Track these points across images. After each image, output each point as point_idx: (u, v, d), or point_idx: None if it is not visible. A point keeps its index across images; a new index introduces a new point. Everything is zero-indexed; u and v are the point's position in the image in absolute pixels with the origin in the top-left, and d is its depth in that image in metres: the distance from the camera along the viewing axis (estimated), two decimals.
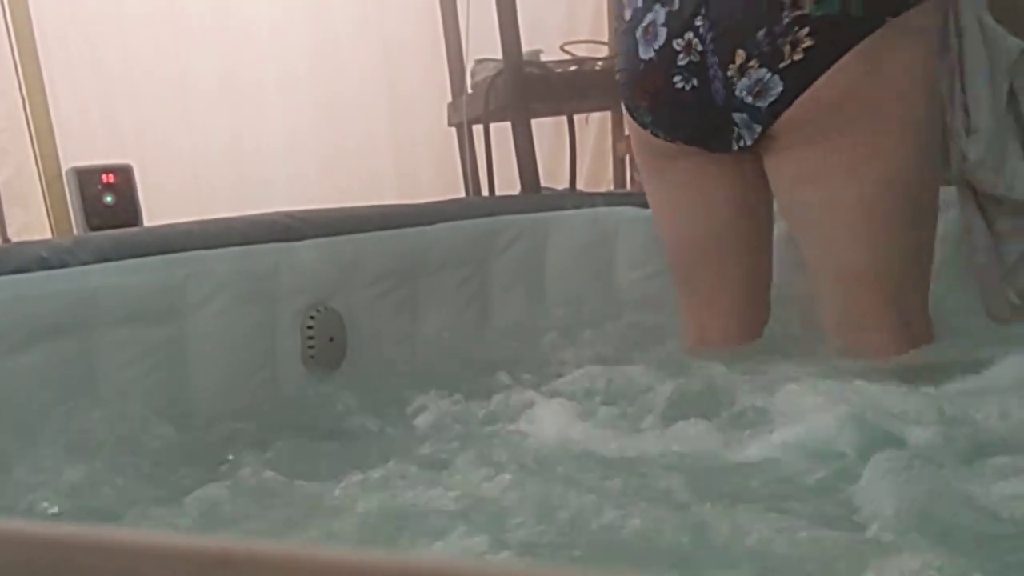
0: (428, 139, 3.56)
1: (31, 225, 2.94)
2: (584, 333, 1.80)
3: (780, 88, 1.35)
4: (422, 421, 1.35)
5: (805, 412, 1.10)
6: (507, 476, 1.00)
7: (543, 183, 2.59)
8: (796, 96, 1.35)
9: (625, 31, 1.48)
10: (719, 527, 0.84)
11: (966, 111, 1.42)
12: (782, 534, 0.81)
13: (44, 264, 1.28)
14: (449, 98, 3.06)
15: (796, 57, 1.32)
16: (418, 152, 3.68)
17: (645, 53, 1.44)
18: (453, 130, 3.03)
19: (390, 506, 0.97)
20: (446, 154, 3.22)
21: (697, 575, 0.80)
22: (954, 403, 1.11)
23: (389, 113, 3.71)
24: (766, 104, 1.37)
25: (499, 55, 2.56)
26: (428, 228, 1.82)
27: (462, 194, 2.94)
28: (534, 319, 1.93)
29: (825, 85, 1.33)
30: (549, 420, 1.24)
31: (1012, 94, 1.43)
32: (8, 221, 2.85)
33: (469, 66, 2.83)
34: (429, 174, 3.58)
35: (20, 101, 2.87)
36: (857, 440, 1.01)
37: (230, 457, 1.24)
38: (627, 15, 1.48)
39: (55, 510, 1.06)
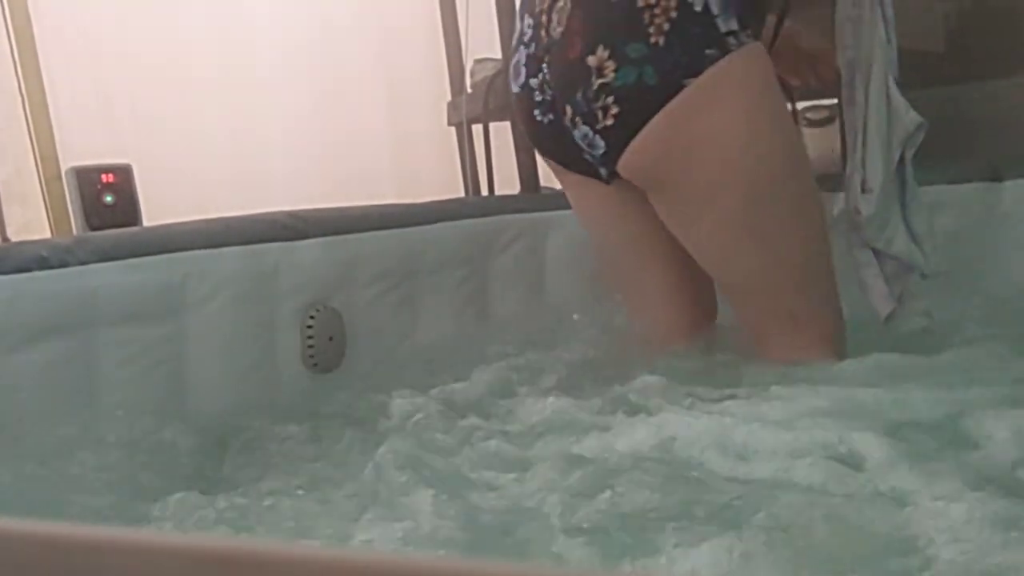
0: (428, 138, 3.56)
1: (31, 225, 2.94)
2: (584, 333, 1.80)
3: (603, 146, 1.42)
4: (422, 421, 1.35)
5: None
6: (506, 476, 1.00)
7: (543, 183, 2.59)
8: (619, 154, 1.41)
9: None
10: None
11: (863, 166, 1.48)
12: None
13: (44, 264, 1.28)
14: (449, 97, 3.06)
15: (608, 122, 1.39)
16: (417, 151, 3.68)
17: (514, 86, 1.54)
18: (453, 129, 3.03)
19: (392, 504, 0.97)
20: (446, 154, 3.22)
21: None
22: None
23: (389, 113, 3.71)
24: (599, 154, 1.44)
25: (499, 55, 2.56)
26: (428, 227, 1.82)
27: (461, 193, 2.94)
28: (534, 319, 1.93)
29: (639, 147, 1.39)
30: (548, 420, 1.24)
31: (902, 161, 1.50)
32: (8, 221, 2.85)
33: (469, 66, 2.83)
34: (429, 173, 3.58)
35: (20, 100, 2.87)
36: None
37: (229, 456, 1.24)
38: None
39: (55, 510, 1.06)
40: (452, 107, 3.00)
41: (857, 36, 1.48)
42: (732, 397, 1.25)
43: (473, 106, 2.73)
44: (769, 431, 1.05)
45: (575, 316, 1.91)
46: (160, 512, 1.03)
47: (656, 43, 1.33)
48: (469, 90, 2.82)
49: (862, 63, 1.48)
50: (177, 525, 1.00)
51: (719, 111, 1.35)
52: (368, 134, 3.65)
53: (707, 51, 1.33)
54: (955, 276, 1.88)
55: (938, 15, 2.41)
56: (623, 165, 1.43)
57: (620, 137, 1.40)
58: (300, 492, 1.08)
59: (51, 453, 1.19)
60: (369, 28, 3.66)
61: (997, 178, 1.92)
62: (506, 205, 2.07)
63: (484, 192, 2.83)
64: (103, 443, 1.26)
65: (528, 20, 1.52)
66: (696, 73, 1.33)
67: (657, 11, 1.33)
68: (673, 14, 1.33)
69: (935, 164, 1.95)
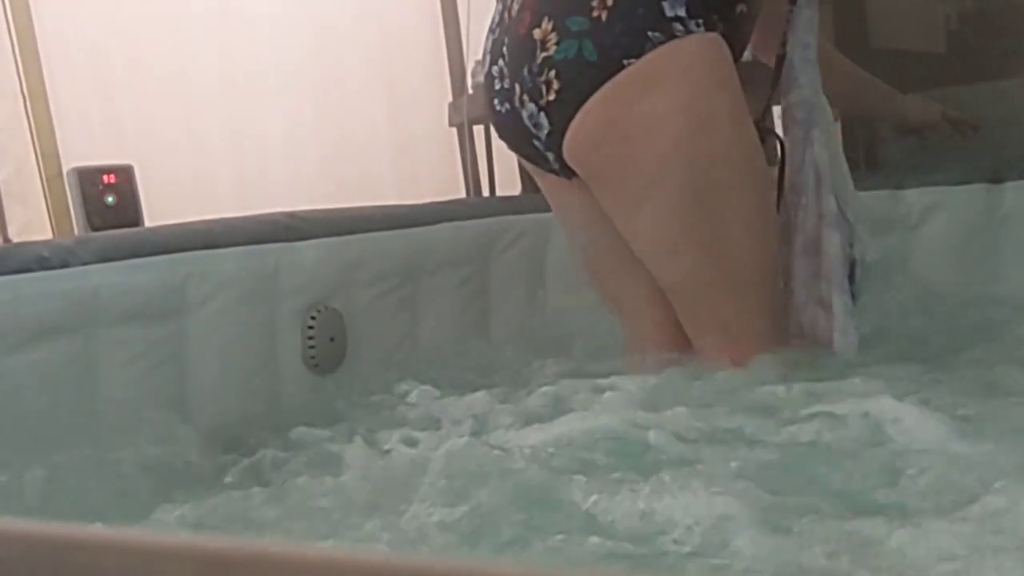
0: (428, 139, 3.56)
1: (32, 225, 2.93)
2: (583, 333, 1.80)
3: (547, 125, 1.39)
4: (422, 421, 1.35)
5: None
6: (506, 477, 1.00)
7: None
8: (562, 137, 1.38)
9: None
10: None
11: (837, 192, 1.47)
12: None
13: (45, 264, 1.28)
14: (450, 98, 3.06)
15: (550, 97, 1.36)
16: (418, 152, 3.67)
17: (480, 76, 1.55)
18: (454, 130, 3.03)
19: (392, 504, 0.97)
20: (446, 154, 3.22)
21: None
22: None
23: (389, 113, 3.71)
24: (544, 136, 1.41)
25: None
26: (429, 228, 1.82)
27: (462, 194, 2.94)
28: (534, 319, 1.94)
29: (578, 130, 1.36)
30: (546, 421, 1.24)
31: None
32: (9, 221, 2.85)
33: (470, 66, 2.83)
34: (430, 174, 3.58)
35: (21, 101, 2.87)
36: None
37: (230, 457, 1.24)
38: None
39: (54, 509, 1.06)
40: (453, 108, 3.00)
41: (812, 76, 1.46)
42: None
43: (474, 107, 2.73)
44: None
45: (575, 315, 1.91)
46: (160, 512, 1.03)
47: (598, 17, 1.31)
48: (470, 91, 2.82)
49: (817, 101, 1.47)
50: (177, 525, 1.00)
51: (657, 99, 1.31)
52: (369, 135, 3.65)
53: (650, 33, 1.30)
54: (954, 276, 1.88)
55: (938, 16, 2.41)
56: (567, 151, 1.39)
57: (562, 115, 1.36)
58: (300, 492, 1.08)
59: (52, 453, 1.19)
60: (370, 29, 3.66)
61: (998, 180, 1.92)
62: (507, 206, 2.08)
63: (485, 193, 2.83)
64: (104, 443, 1.26)
65: (498, 6, 1.49)
66: (637, 55, 1.30)
67: None
68: None
69: (935, 165, 1.96)
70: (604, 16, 1.31)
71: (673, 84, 1.31)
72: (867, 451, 1.01)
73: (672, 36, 1.30)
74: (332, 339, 1.63)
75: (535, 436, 1.14)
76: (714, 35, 1.34)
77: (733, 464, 0.98)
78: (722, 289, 1.42)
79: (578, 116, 1.35)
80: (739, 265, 1.40)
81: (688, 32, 1.31)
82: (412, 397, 1.46)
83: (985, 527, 0.79)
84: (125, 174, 2.52)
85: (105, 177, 2.49)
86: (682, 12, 1.31)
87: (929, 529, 0.79)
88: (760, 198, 1.42)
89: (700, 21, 1.32)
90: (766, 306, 1.45)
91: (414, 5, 3.52)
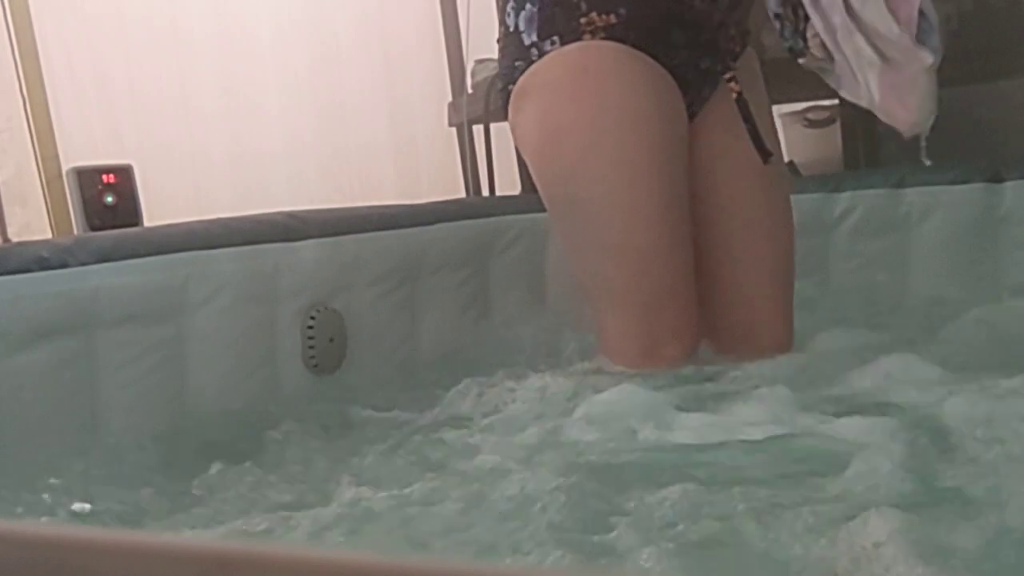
0: (428, 139, 3.56)
1: (31, 225, 2.93)
2: (583, 334, 1.80)
3: None
4: (421, 422, 1.35)
5: None
6: (505, 477, 1.00)
7: None
8: None
9: None
10: None
11: None
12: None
13: (44, 264, 1.28)
14: (449, 98, 3.06)
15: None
16: (418, 152, 3.67)
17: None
18: (453, 130, 3.03)
19: (390, 507, 0.97)
20: (446, 154, 3.22)
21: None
22: None
23: (389, 113, 3.71)
24: None
25: None
26: (428, 228, 1.82)
27: (462, 194, 2.93)
28: (534, 320, 1.93)
29: None
30: (544, 423, 1.24)
31: None
32: (8, 221, 2.85)
33: (469, 66, 2.83)
34: (429, 174, 3.58)
35: (20, 101, 2.87)
36: None
37: (229, 457, 1.24)
38: None
39: (54, 509, 1.06)
40: (453, 108, 3.00)
41: None
42: None
43: (474, 107, 2.73)
44: None
45: (575, 316, 1.90)
46: (160, 513, 1.03)
47: (499, 58, 1.54)
48: (470, 91, 2.82)
49: None
50: (177, 525, 1.00)
51: (521, 118, 1.48)
52: (369, 135, 3.65)
53: (516, 63, 1.47)
54: (952, 277, 1.88)
55: (939, 16, 2.41)
56: None
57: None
58: (300, 493, 1.08)
59: (52, 454, 1.19)
60: (370, 29, 3.66)
61: (997, 179, 1.92)
62: (507, 206, 2.07)
63: (485, 193, 2.83)
64: (103, 444, 1.26)
65: None
66: (512, 82, 1.47)
67: (499, 31, 1.52)
68: (500, 30, 1.51)
69: (935, 165, 1.96)
70: (499, 54, 1.54)
71: (529, 104, 1.46)
72: None
73: (530, 62, 1.45)
74: (332, 339, 1.63)
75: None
76: (573, 47, 1.42)
77: None
78: (589, 297, 1.54)
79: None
80: (596, 279, 1.50)
81: (542, 54, 1.44)
82: (413, 398, 1.46)
83: None
84: (124, 174, 2.52)
85: (104, 177, 2.49)
86: (534, 37, 1.44)
87: None
88: (626, 194, 1.42)
89: (554, 39, 1.43)
90: (626, 322, 1.47)
91: (414, 6, 3.52)
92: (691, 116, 1.51)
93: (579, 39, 1.41)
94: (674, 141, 1.46)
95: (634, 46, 1.42)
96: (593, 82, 1.42)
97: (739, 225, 1.54)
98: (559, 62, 1.43)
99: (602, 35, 1.41)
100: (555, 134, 1.44)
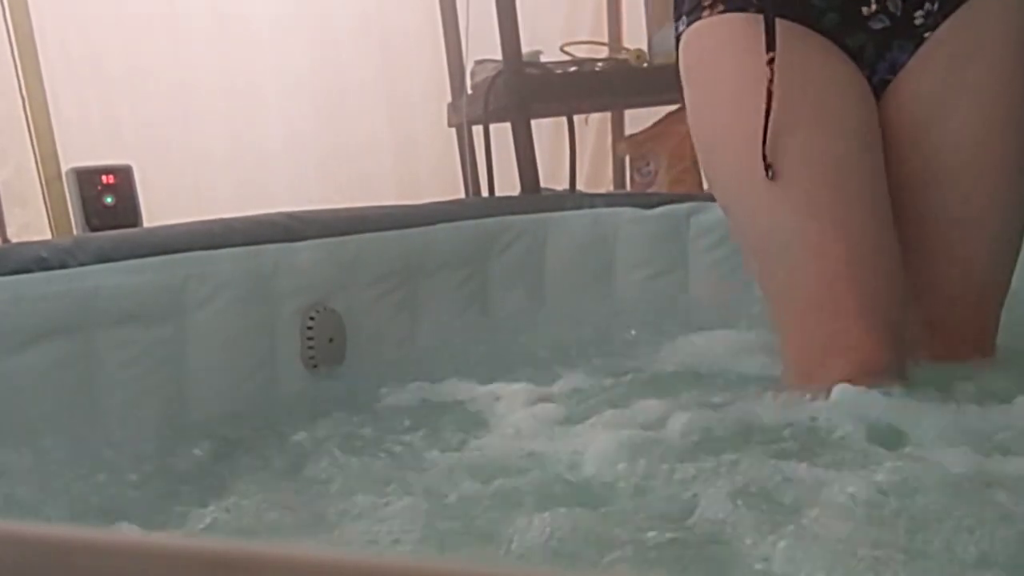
0: (428, 139, 3.56)
1: (31, 225, 2.93)
2: (583, 335, 1.80)
3: None
4: (421, 422, 1.35)
5: None
6: (503, 477, 1.00)
7: (543, 183, 2.59)
8: None
9: None
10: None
11: None
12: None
13: (44, 264, 1.28)
14: (449, 99, 3.06)
15: None
16: (418, 153, 3.68)
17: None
18: (453, 131, 3.03)
19: (390, 507, 0.97)
20: (446, 155, 3.22)
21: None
22: None
23: (389, 114, 3.71)
24: None
25: (499, 56, 2.56)
26: (428, 228, 1.82)
27: (462, 194, 2.94)
28: (534, 320, 1.93)
29: None
30: (542, 424, 1.23)
31: None
32: (8, 221, 2.85)
33: (469, 67, 2.83)
34: (429, 175, 3.58)
35: (20, 101, 2.87)
36: None
37: (229, 458, 1.24)
38: None
39: (54, 509, 1.06)
40: (452, 108, 3.00)
41: None
42: None
43: (473, 107, 2.73)
44: None
45: (575, 317, 1.90)
46: (160, 513, 1.03)
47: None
48: (469, 91, 2.82)
49: None
50: (177, 526, 1.00)
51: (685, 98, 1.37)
52: (368, 135, 3.65)
53: (675, 41, 1.36)
54: None
55: None
56: None
57: None
58: (299, 493, 1.08)
59: (51, 454, 1.19)
60: (369, 29, 3.66)
61: None
62: (506, 206, 2.07)
63: (484, 193, 2.83)
64: (103, 444, 1.26)
65: None
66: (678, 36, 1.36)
67: None
68: None
69: None
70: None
71: (686, 86, 1.35)
72: None
73: (677, 41, 1.36)
74: (331, 340, 1.63)
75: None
76: (695, 27, 1.30)
77: None
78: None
79: None
80: (758, 281, 1.30)
81: (678, 34, 1.35)
82: (412, 398, 1.46)
83: None
84: (124, 175, 2.52)
85: (104, 178, 2.49)
86: (678, 21, 1.35)
87: None
88: (759, 204, 1.24)
89: (684, 19, 1.33)
90: (783, 333, 1.23)
91: (414, 6, 3.52)
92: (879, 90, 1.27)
93: (705, 16, 1.29)
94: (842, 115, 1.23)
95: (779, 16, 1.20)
96: (704, 71, 1.31)
97: (956, 202, 1.25)
98: (684, 47, 1.33)
99: (721, 7, 1.27)
100: (690, 115, 1.34)
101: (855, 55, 1.24)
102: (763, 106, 1.16)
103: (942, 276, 1.28)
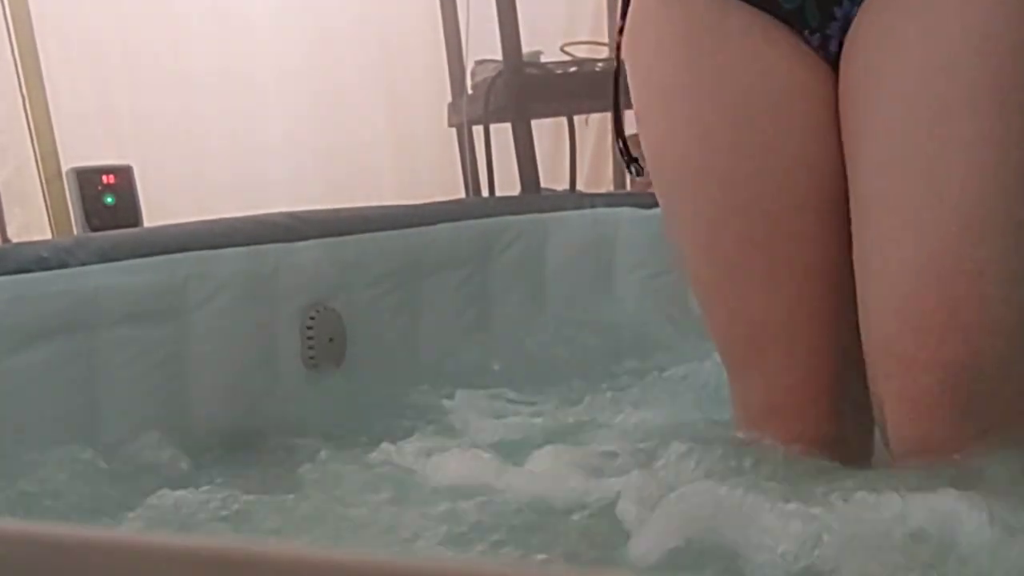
0: (428, 139, 3.56)
1: (31, 225, 2.93)
2: (583, 335, 1.80)
3: None
4: (421, 422, 1.35)
5: None
6: (503, 477, 1.00)
7: (543, 183, 2.59)
8: None
9: None
10: None
11: None
12: None
13: (44, 264, 1.28)
14: (449, 99, 3.06)
15: None
16: (418, 152, 3.67)
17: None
18: (453, 131, 3.03)
19: (390, 506, 0.97)
20: (446, 155, 3.21)
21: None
22: None
23: (389, 114, 3.71)
24: None
25: (499, 56, 2.56)
26: (428, 228, 1.82)
27: (462, 194, 2.93)
28: (534, 320, 1.93)
29: None
30: (540, 426, 1.24)
31: None
32: (8, 221, 2.84)
33: (469, 67, 2.83)
34: (429, 174, 3.57)
35: (20, 101, 2.87)
36: None
37: (229, 457, 1.24)
38: None
39: (55, 510, 1.06)
40: (452, 108, 3.00)
41: None
42: None
43: (474, 107, 2.73)
44: None
45: (575, 317, 1.90)
46: (160, 512, 1.03)
47: None
48: (470, 91, 2.82)
49: None
50: (177, 526, 1.00)
51: None
52: (368, 135, 3.65)
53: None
54: None
55: None
56: None
57: None
58: (300, 493, 1.08)
59: (52, 454, 1.19)
60: (369, 29, 3.66)
61: None
62: (507, 206, 2.07)
63: (484, 193, 2.83)
64: (103, 444, 1.26)
65: None
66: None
67: None
68: None
69: None
70: None
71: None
72: None
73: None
74: (331, 339, 1.63)
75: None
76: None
77: None
78: None
79: None
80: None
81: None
82: (412, 398, 1.46)
83: None
84: (124, 175, 2.52)
85: (104, 178, 2.49)
86: None
87: None
88: (682, 219, 1.01)
89: None
90: (729, 378, 1.02)
91: (414, 6, 3.52)
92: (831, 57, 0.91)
93: None
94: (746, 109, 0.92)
95: None
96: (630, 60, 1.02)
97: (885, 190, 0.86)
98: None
99: None
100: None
101: (792, 19, 0.90)
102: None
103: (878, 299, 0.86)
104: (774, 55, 0.91)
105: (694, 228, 0.97)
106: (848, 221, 0.88)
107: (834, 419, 0.93)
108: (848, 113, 0.89)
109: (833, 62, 0.91)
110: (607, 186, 3.33)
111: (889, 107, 0.85)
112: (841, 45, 0.90)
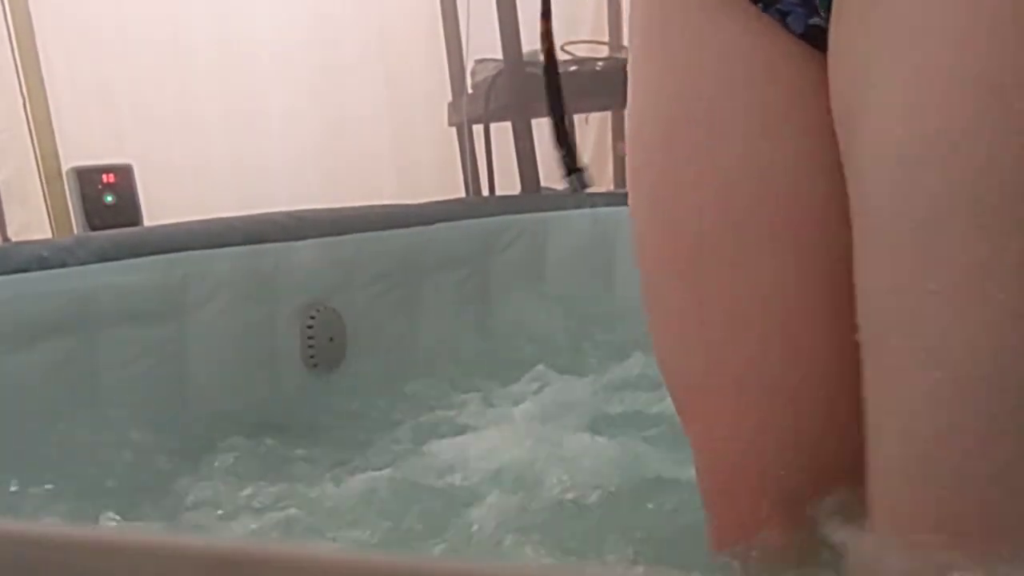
0: (428, 139, 3.56)
1: (31, 225, 2.93)
2: (582, 335, 1.80)
3: None
4: (421, 421, 1.35)
5: None
6: (502, 478, 1.01)
7: (543, 183, 2.59)
8: None
9: None
10: None
11: None
12: None
13: (44, 264, 1.28)
14: (449, 98, 3.06)
15: None
16: (418, 152, 3.67)
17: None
18: (453, 130, 3.03)
19: (390, 506, 0.97)
20: (446, 154, 3.21)
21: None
22: None
23: (389, 113, 3.71)
24: None
25: (499, 55, 2.56)
26: (428, 228, 1.82)
27: (462, 194, 2.93)
28: (534, 319, 1.93)
29: None
30: (538, 427, 1.24)
31: None
32: (8, 220, 2.84)
33: (469, 66, 2.83)
34: (429, 174, 3.57)
35: (20, 101, 2.87)
36: None
37: (229, 456, 1.24)
38: None
39: (55, 509, 1.06)
40: (453, 108, 3.00)
41: None
42: None
43: (474, 107, 2.73)
44: None
45: (575, 316, 1.90)
46: (160, 511, 1.03)
47: None
48: (470, 90, 2.82)
49: None
50: (177, 524, 1.00)
51: None
52: (368, 135, 3.65)
53: None
54: None
55: None
56: None
57: None
58: (299, 491, 1.08)
59: (52, 452, 1.19)
60: (369, 29, 3.66)
61: None
62: (507, 205, 2.08)
63: (485, 192, 2.83)
64: (103, 442, 1.26)
65: None
66: None
67: None
68: None
69: None
70: None
71: None
72: None
73: None
74: (331, 339, 1.63)
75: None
76: None
77: None
78: None
79: None
80: None
81: None
82: (412, 398, 1.46)
83: None
84: (124, 174, 2.52)
85: (104, 177, 2.49)
86: None
87: None
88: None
89: None
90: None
91: (414, 6, 3.52)
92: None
93: None
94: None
95: None
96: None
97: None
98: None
99: None
100: None
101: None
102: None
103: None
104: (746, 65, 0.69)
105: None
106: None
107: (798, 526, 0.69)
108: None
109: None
110: (607, 186, 3.33)
111: None
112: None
